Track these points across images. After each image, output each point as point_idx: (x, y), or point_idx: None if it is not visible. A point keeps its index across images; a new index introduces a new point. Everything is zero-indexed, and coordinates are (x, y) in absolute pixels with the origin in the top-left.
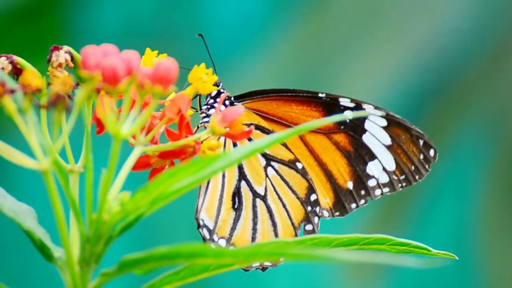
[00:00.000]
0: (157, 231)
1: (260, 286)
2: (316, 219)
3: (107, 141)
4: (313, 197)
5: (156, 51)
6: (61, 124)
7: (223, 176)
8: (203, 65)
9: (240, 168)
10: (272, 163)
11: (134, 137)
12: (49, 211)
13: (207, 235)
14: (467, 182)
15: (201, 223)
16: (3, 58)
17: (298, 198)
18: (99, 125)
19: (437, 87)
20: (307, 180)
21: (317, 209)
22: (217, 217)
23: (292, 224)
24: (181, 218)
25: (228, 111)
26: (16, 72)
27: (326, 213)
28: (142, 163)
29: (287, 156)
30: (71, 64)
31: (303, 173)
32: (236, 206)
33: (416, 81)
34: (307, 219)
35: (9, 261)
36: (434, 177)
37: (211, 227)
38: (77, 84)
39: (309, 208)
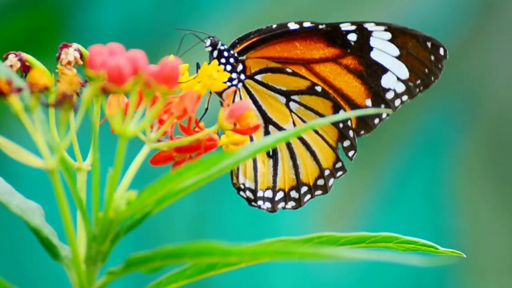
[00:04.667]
0: (156, 229)
1: (259, 284)
2: (351, 132)
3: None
4: (341, 113)
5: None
6: (68, 123)
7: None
8: (214, 62)
9: (263, 113)
10: (292, 96)
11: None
12: (55, 208)
13: (251, 196)
14: (442, 152)
15: (242, 187)
16: (12, 55)
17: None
18: None
19: None
20: (330, 100)
21: (349, 122)
22: (255, 175)
23: (330, 146)
24: (180, 215)
25: (235, 106)
26: (25, 69)
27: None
28: (164, 157)
29: (303, 84)
30: (80, 62)
31: (324, 94)
32: (271, 154)
33: None
34: (342, 136)
35: (15, 259)
36: (406, 150)
37: (253, 187)
38: (86, 82)
39: (340, 125)
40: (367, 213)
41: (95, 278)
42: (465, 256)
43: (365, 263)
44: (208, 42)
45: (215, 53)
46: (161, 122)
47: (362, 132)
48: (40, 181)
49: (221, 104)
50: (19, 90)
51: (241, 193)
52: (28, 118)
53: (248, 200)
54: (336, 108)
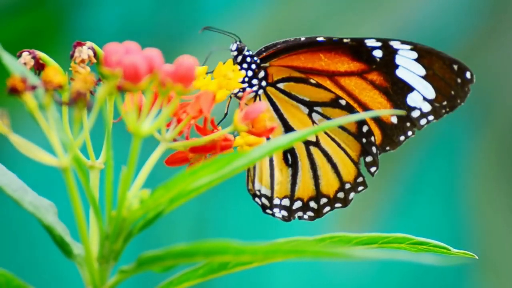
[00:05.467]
0: (157, 230)
1: (258, 284)
2: (374, 149)
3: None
4: (365, 128)
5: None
6: (82, 121)
7: (268, 139)
8: (229, 61)
9: (284, 122)
10: (315, 108)
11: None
12: (68, 206)
13: (267, 203)
14: (458, 152)
15: (258, 193)
16: (26, 53)
17: (350, 133)
18: None
19: None
20: (355, 114)
21: (372, 138)
22: (272, 183)
23: (352, 160)
24: (182, 216)
25: (250, 108)
26: (39, 67)
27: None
28: (180, 158)
29: (327, 96)
30: (94, 60)
31: (349, 108)
32: (290, 162)
33: None
34: (365, 151)
35: (28, 257)
36: (418, 153)
37: (269, 194)
38: (99, 80)
39: (363, 140)
40: (380, 217)
41: (107, 276)
42: (477, 257)
43: (371, 265)
44: (234, 46)
45: (239, 58)
46: (179, 121)
47: (388, 148)
48: (53, 179)
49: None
50: (33, 88)
51: (256, 199)
52: (42, 116)
53: (263, 207)
54: (361, 123)
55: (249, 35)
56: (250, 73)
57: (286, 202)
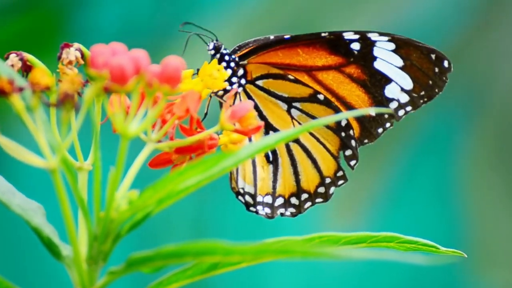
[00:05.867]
0: (156, 230)
1: (256, 282)
2: (353, 142)
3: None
4: (343, 122)
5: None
6: (70, 122)
7: (250, 138)
8: (214, 61)
9: (264, 119)
10: (294, 103)
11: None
12: (57, 208)
13: (250, 200)
14: (451, 145)
15: (241, 191)
16: (13, 55)
17: (329, 128)
18: None
19: None
20: (333, 108)
21: (351, 132)
22: (255, 180)
23: (331, 154)
24: (180, 216)
25: (237, 107)
26: (26, 69)
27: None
28: (163, 160)
29: (306, 91)
30: (82, 62)
31: (327, 102)
32: (271, 159)
33: None
34: (344, 145)
35: (17, 259)
36: (411, 147)
37: (253, 191)
38: (87, 82)
39: (342, 134)
40: (373, 212)
41: (96, 277)
42: (465, 255)
43: (367, 264)
44: (211, 45)
45: (217, 56)
46: (164, 122)
47: (366, 140)
48: (41, 181)
49: (220, 106)
50: (20, 89)
51: (240, 197)
52: (30, 117)
53: (247, 204)
54: None
55: (245, 31)
56: (229, 71)
57: (268, 199)
